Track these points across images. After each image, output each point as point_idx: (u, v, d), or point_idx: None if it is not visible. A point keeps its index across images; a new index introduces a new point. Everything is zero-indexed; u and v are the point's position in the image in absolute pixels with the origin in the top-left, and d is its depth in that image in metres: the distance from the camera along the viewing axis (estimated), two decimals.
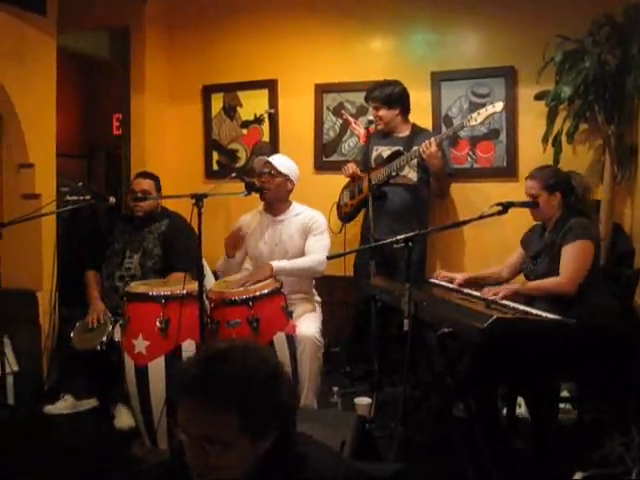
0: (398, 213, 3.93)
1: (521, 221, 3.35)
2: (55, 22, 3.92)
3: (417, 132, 4.06)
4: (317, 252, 3.43)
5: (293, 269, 3.39)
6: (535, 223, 3.26)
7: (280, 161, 3.57)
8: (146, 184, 3.81)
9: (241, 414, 1.32)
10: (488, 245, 4.14)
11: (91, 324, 3.53)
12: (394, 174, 3.89)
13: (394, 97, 4.03)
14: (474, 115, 3.67)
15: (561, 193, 3.05)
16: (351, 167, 4.10)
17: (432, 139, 3.74)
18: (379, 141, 4.13)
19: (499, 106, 3.62)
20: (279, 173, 3.51)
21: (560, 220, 3.04)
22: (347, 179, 4.17)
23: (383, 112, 4.01)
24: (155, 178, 3.89)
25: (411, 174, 4.02)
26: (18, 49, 3.70)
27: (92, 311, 3.60)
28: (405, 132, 4.06)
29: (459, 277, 3.28)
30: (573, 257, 2.90)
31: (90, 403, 3.64)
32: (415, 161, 3.93)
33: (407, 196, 4.00)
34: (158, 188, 3.87)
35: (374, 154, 4.12)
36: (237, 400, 1.32)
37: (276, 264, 3.33)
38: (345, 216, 4.17)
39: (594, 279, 2.93)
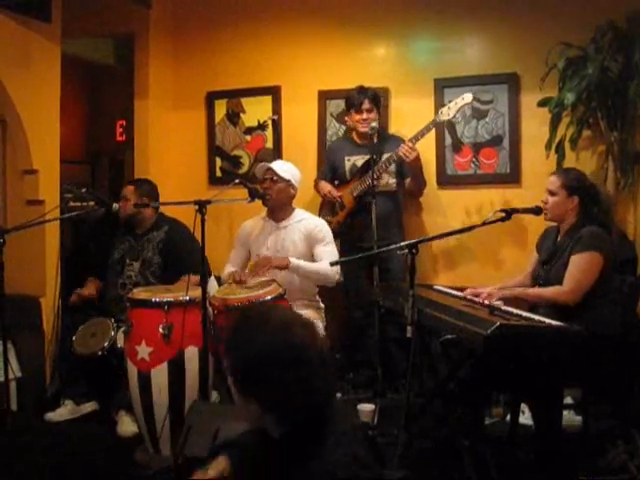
0: (383, 220, 3.81)
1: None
2: (60, 29, 3.94)
3: (385, 138, 4.05)
4: (329, 260, 3.32)
5: (309, 271, 3.37)
6: (549, 226, 3.23)
7: (281, 166, 3.55)
8: (125, 190, 3.84)
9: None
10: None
11: (88, 294, 3.79)
12: (375, 182, 3.76)
13: (379, 99, 4.03)
14: (444, 109, 3.71)
15: (579, 198, 3.01)
16: (331, 191, 4.05)
17: (410, 142, 3.74)
18: (349, 151, 4.11)
19: (468, 97, 3.67)
20: (281, 178, 3.50)
21: (574, 227, 3.01)
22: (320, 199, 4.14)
23: (374, 115, 3.99)
24: (138, 183, 3.89)
25: (390, 180, 4.03)
26: (23, 56, 3.72)
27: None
28: (374, 138, 3.97)
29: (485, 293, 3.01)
30: (578, 268, 2.88)
31: (89, 407, 3.65)
32: (393, 166, 3.92)
33: (390, 203, 4.00)
34: (146, 194, 3.81)
35: (347, 165, 4.10)
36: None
37: (294, 260, 3.32)
38: (335, 234, 3.94)
39: (601, 290, 2.90)
